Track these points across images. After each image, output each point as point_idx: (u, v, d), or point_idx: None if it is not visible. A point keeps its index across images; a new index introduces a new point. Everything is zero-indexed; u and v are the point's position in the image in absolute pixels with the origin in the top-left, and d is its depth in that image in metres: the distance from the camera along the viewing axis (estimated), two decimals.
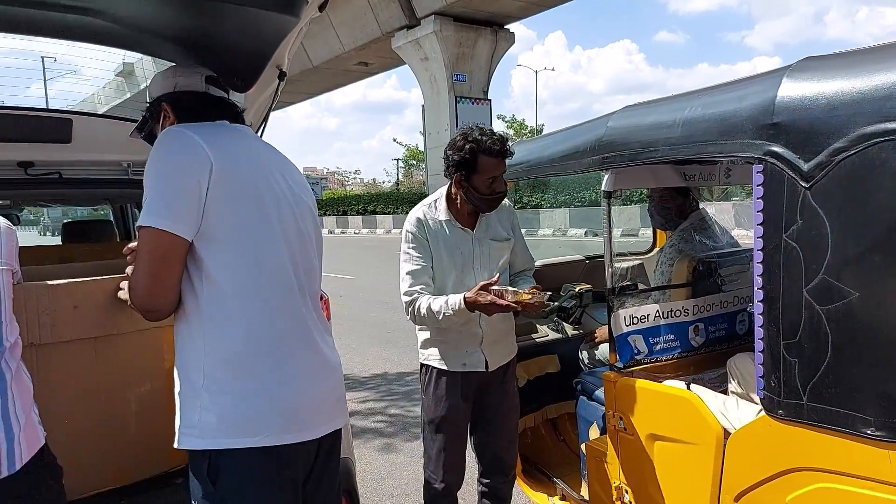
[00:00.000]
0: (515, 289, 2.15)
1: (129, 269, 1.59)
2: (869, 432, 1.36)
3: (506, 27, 26.38)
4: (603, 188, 2.11)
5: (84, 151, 1.83)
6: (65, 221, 4.75)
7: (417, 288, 2.29)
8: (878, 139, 1.31)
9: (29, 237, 28.06)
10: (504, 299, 2.09)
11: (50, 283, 1.64)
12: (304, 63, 28.79)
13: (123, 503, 1.79)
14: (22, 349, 1.55)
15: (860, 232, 1.36)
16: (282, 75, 1.98)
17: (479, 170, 2.22)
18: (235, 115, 1.66)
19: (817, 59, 1.54)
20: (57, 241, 4.59)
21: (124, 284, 1.62)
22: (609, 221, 2.14)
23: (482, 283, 2.12)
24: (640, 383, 2.05)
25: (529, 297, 2.11)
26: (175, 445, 1.43)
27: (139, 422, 1.83)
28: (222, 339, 1.41)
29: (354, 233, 35.86)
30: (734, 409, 1.85)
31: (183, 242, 1.38)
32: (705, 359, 2.31)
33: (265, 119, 2.16)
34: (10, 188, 2.76)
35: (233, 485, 1.41)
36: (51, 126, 2.21)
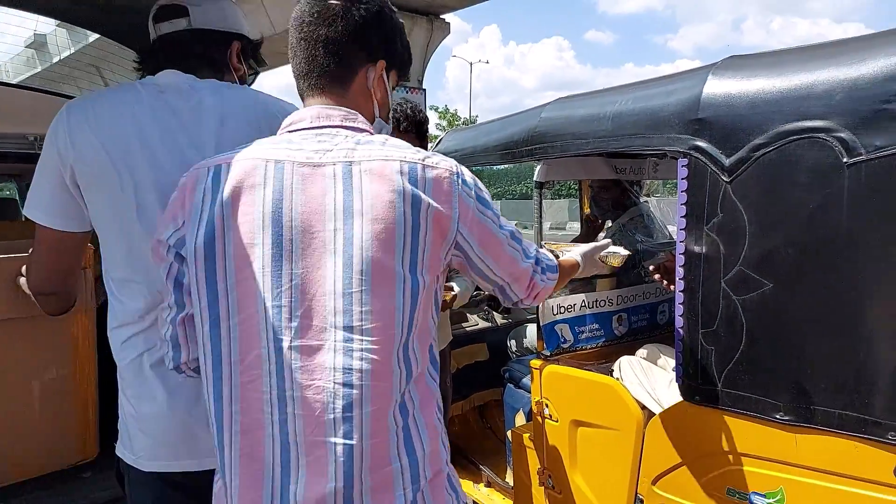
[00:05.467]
0: None
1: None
2: (778, 416, 1.43)
3: (442, 17, 26.24)
4: (535, 178, 2.12)
5: None
6: None
7: None
8: (794, 136, 1.37)
9: None
10: None
11: None
12: None
13: (20, 500, 1.66)
14: None
15: (775, 225, 1.42)
16: None
17: None
18: None
19: (741, 58, 1.60)
20: None
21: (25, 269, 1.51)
22: (540, 211, 2.15)
23: None
24: (565, 370, 2.09)
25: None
26: None
27: (44, 412, 1.70)
28: None
29: None
30: (664, 390, 1.89)
31: None
32: (627, 348, 2.38)
33: None
34: None
35: None
36: None
